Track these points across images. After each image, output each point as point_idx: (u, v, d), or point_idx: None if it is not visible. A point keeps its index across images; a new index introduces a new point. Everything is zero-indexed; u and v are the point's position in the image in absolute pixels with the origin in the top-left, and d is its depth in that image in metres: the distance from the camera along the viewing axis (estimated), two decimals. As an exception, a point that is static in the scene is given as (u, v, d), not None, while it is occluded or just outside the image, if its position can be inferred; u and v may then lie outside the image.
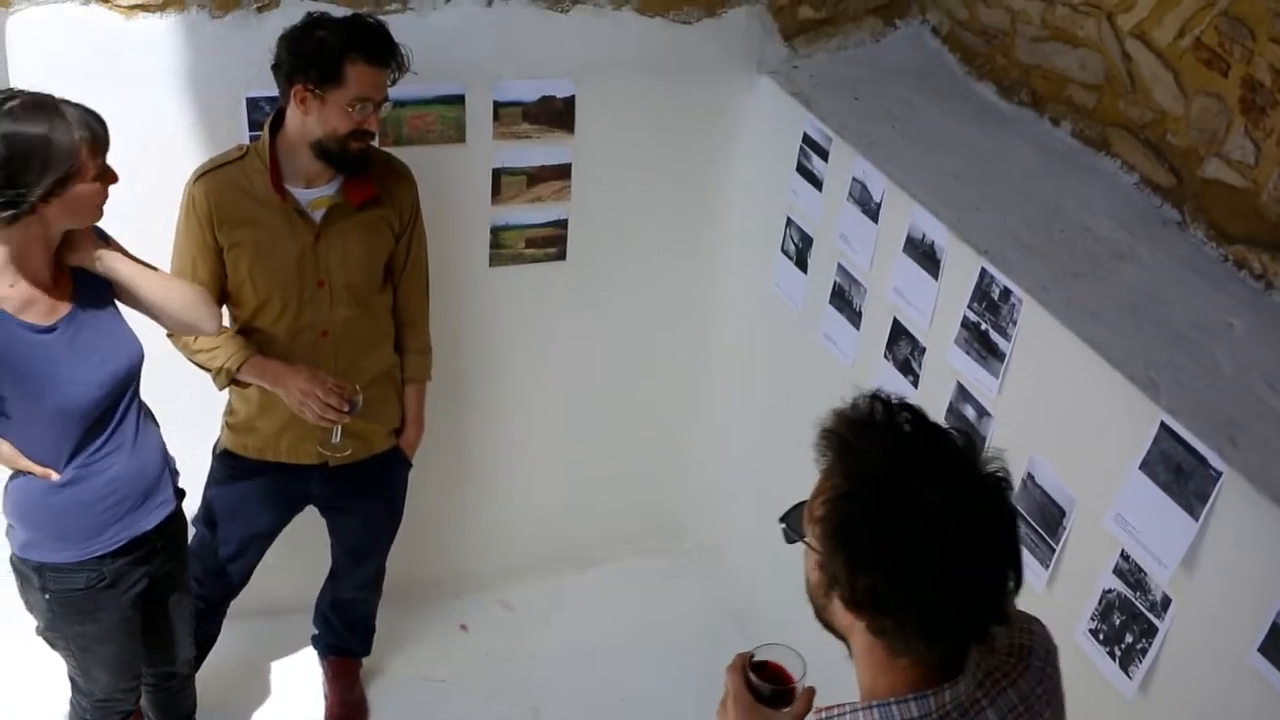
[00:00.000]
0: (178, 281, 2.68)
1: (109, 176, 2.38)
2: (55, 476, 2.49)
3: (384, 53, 2.69)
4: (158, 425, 2.70)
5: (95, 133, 2.31)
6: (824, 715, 1.49)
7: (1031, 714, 1.51)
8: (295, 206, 2.79)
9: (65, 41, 2.89)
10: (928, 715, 1.43)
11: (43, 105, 2.28)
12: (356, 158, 2.77)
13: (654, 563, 4.11)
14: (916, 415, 1.45)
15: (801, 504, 1.50)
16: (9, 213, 2.27)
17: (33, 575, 2.57)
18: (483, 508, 3.90)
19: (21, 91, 2.32)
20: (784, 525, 1.52)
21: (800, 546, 1.50)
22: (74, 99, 2.34)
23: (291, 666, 3.62)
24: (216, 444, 3.10)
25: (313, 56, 2.64)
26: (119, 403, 2.53)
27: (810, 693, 1.60)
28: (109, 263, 2.49)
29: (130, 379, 2.55)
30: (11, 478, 2.54)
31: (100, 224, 2.49)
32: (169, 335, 2.86)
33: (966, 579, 1.38)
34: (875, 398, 1.46)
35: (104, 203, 2.40)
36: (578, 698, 3.64)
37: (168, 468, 2.72)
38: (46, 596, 2.59)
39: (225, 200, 2.78)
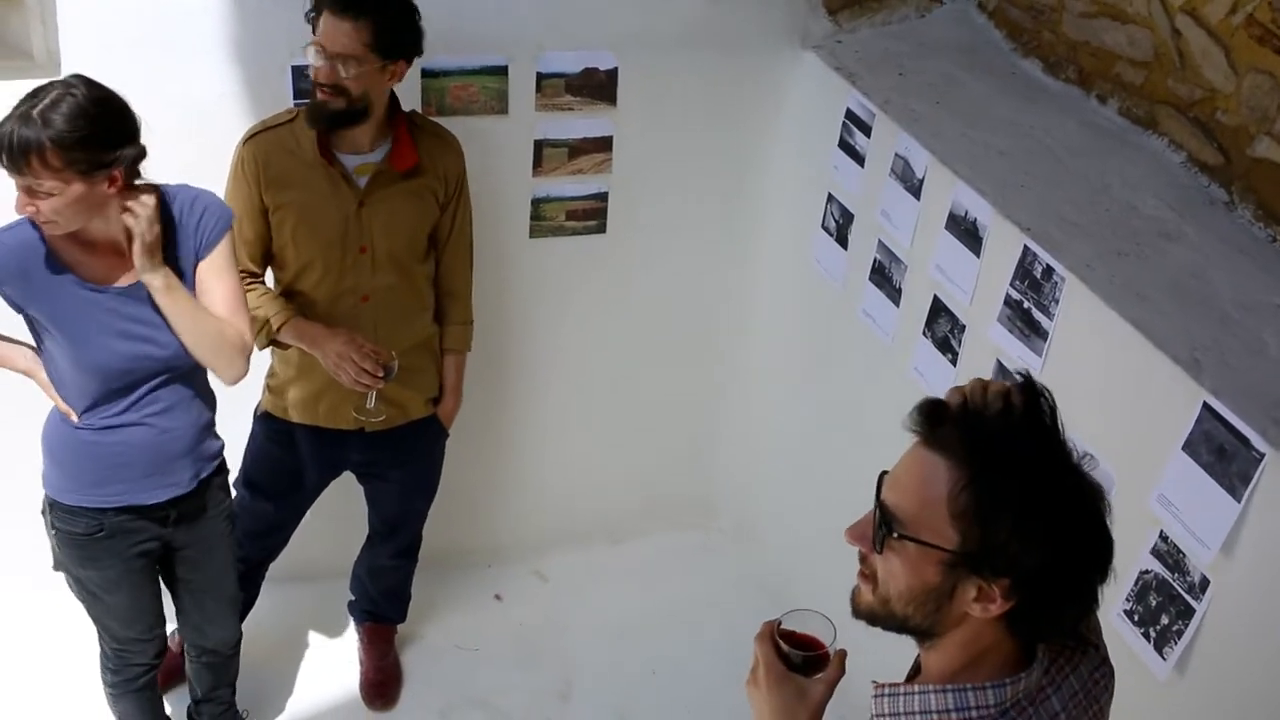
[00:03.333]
0: (214, 326, 2.50)
1: (20, 199, 2.29)
2: (75, 418, 2.53)
3: (345, 2, 2.66)
4: (209, 412, 2.66)
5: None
6: (886, 690, 1.45)
7: (1090, 699, 1.49)
8: (341, 171, 2.82)
9: (115, 10, 2.92)
10: (1002, 704, 1.40)
11: (31, 96, 2.25)
12: (322, 110, 2.73)
13: (689, 538, 4.11)
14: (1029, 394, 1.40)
15: (882, 513, 1.39)
16: None
17: (46, 509, 2.65)
18: (519, 479, 3.92)
19: (79, 83, 2.28)
20: (891, 535, 1.38)
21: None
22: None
23: (328, 631, 3.66)
24: (258, 406, 3.14)
25: (310, 9, 2.71)
26: (146, 382, 2.51)
27: (841, 656, 1.54)
28: (151, 281, 2.41)
29: (164, 370, 2.51)
30: (51, 412, 2.61)
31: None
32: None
33: (1103, 552, 1.38)
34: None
35: (33, 218, 2.31)
36: (610, 670, 3.65)
37: (194, 457, 2.65)
38: (53, 533, 2.65)
39: (273, 161, 2.81)
